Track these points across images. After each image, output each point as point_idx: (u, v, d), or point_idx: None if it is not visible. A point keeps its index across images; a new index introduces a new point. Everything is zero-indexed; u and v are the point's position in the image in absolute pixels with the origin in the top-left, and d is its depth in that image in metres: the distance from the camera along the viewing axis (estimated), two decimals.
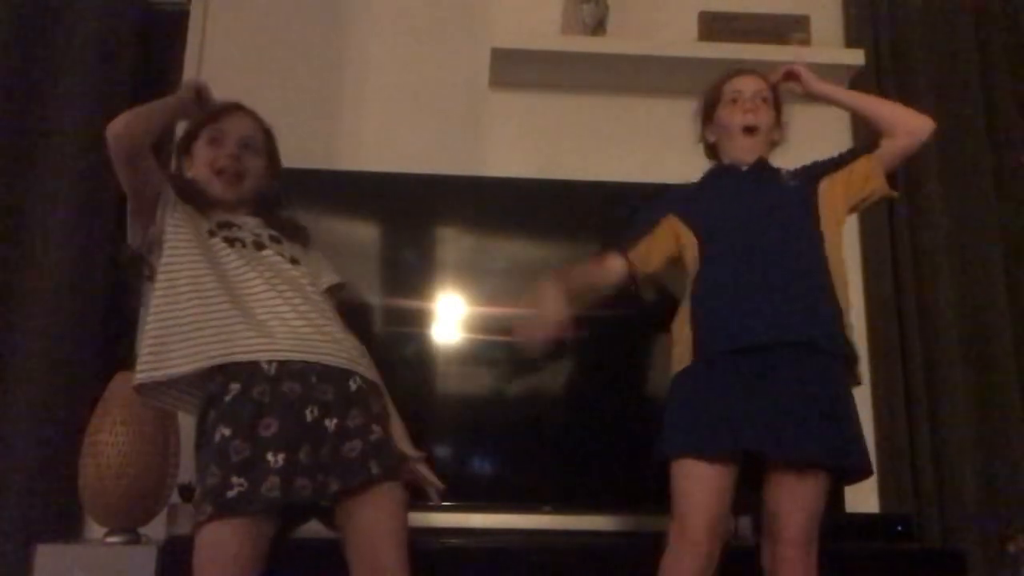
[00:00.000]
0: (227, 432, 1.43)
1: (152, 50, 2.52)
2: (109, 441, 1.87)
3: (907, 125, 1.75)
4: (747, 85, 1.80)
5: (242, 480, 1.40)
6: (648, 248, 1.78)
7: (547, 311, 1.64)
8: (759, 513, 1.61)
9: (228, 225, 1.64)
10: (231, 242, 1.61)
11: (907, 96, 2.53)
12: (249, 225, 1.67)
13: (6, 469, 2.08)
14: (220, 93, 2.45)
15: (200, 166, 1.68)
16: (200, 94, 1.73)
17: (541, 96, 2.50)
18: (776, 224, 1.68)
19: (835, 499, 2.22)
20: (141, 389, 1.53)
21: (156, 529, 1.96)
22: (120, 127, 1.54)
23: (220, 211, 1.67)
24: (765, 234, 1.66)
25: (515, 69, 2.42)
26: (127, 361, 2.35)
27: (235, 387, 1.47)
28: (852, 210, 1.82)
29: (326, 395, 1.49)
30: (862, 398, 2.37)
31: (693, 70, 2.45)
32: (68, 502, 2.03)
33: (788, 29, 2.47)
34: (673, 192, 1.84)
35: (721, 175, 1.81)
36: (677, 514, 1.53)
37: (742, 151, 1.78)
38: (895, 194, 1.84)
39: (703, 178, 1.84)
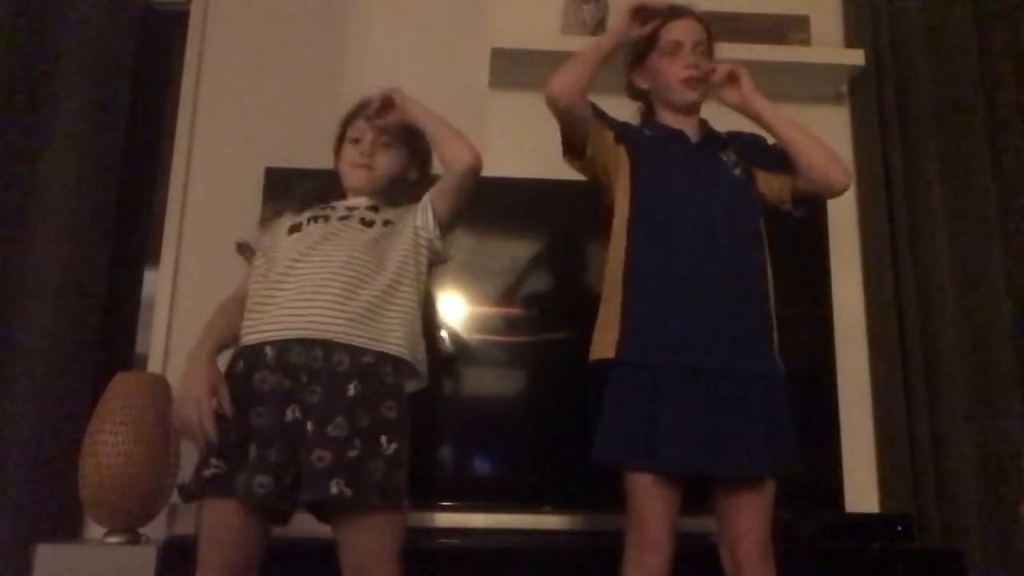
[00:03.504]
0: (223, 411, 1.46)
1: (152, 50, 2.53)
2: (109, 441, 1.87)
3: (827, 178, 1.64)
4: (686, 35, 1.69)
5: (220, 462, 1.41)
6: (599, 128, 1.70)
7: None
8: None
9: (326, 207, 1.68)
10: (316, 220, 1.64)
11: (907, 96, 2.54)
12: (350, 203, 1.70)
13: (6, 469, 2.08)
14: (220, 93, 2.49)
15: (343, 165, 1.75)
16: (639, 14, 1.66)
17: (541, 96, 2.49)
18: (726, 227, 1.62)
19: (835, 499, 2.23)
20: None
21: (156, 529, 1.97)
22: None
23: (351, 199, 1.73)
24: (715, 236, 1.60)
25: (515, 69, 2.41)
26: (127, 361, 2.37)
27: (240, 367, 1.50)
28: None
29: (313, 396, 1.45)
30: (862, 398, 2.39)
31: None
32: (68, 502, 2.03)
33: (788, 29, 2.47)
34: (622, 123, 1.74)
35: (669, 140, 1.70)
36: (635, 521, 1.53)
37: (682, 104, 1.71)
38: (797, 214, 1.75)
39: (651, 131, 1.72)
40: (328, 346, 1.48)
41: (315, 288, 1.53)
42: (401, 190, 1.74)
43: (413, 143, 1.76)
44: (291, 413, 1.44)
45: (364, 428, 1.44)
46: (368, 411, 1.46)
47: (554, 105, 1.64)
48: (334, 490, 1.38)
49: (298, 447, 1.42)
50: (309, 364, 1.47)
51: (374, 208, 1.68)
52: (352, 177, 1.72)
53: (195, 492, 1.44)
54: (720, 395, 1.52)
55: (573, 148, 1.73)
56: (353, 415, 1.44)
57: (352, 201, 1.71)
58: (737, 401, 1.53)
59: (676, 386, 1.52)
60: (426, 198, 1.70)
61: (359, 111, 1.76)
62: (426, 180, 1.76)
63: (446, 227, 1.70)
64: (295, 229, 1.64)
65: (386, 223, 1.65)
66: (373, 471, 1.42)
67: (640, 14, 1.68)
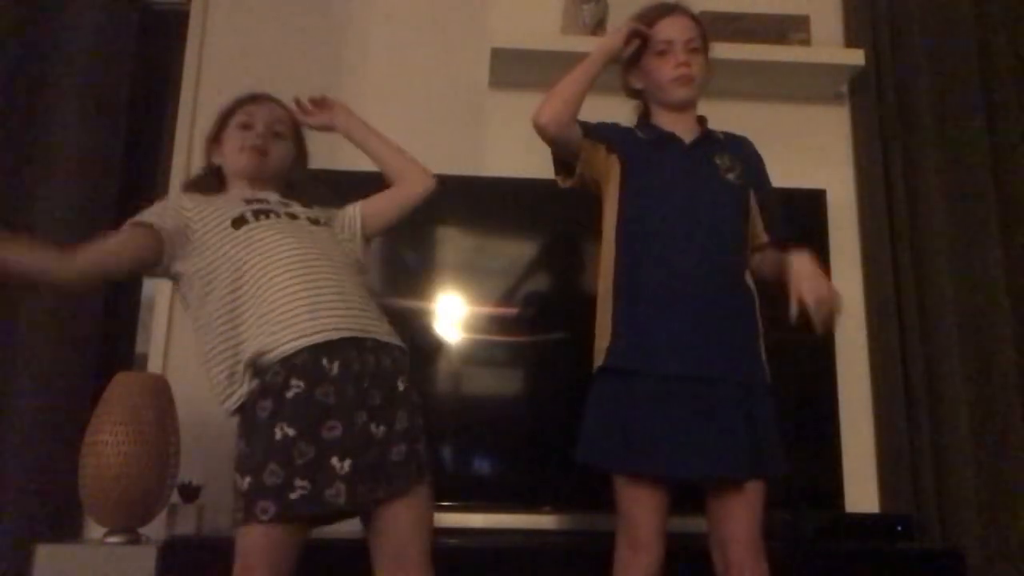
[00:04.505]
0: (291, 432, 1.39)
1: (152, 50, 2.53)
2: (109, 441, 1.87)
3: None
4: (677, 34, 1.67)
5: (305, 483, 1.37)
6: (591, 146, 1.68)
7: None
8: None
9: (254, 200, 1.61)
10: (266, 215, 1.57)
11: (907, 96, 2.54)
12: (274, 199, 1.65)
13: (6, 469, 2.09)
14: (220, 93, 2.47)
15: (228, 151, 1.68)
16: (634, 36, 1.68)
17: (541, 96, 2.49)
18: (715, 230, 1.61)
19: (835, 499, 2.23)
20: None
21: (156, 529, 1.96)
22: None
23: (243, 189, 1.66)
24: (703, 240, 1.60)
25: (515, 69, 2.42)
26: (127, 361, 2.37)
27: (297, 384, 1.43)
28: None
29: (374, 400, 1.48)
30: (862, 398, 2.39)
31: None
32: (68, 502, 2.03)
33: (788, 29, 2.47)
34: (614, 130, 1.73)
35: (661, 143, 1.68)
36: (624, 522, 1.54)
37: (674, 103, 1.69)
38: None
39: (644, 133, 1.71)
40: (375, 350, 1.51)
41: (337, 286, 1.52)
42: (287, 188, 1.70)
43: (299, 140, 1.76)
44: (360, 418, 1.45)
45: (412, 412, 1.53)
46: (408, 400, 1.54)
47: (543, 134, 1.64)
48: (415, 474, 1.48)
49: (367, 451, 1.44)
50: (367, 369, 1.49)
51: (303, 205, 1.66)
52: (240, 160, 1.65)
53: (283, 515, 1.37)
54: (702, 401, 1.52)
55: (564, 166, 1.73)
56: (406, 407, 1.52)
57: (267, 195, 1.64)
58: (719, 406, 1.52)
59: (659, 390, 1.52)
60: (355, 210, 1.71)
61: (246, 100, 1.71)
62: (306, 184, 1.74)
63: (368, 239, 1.73)
64: (240, 222, 1.55)
65: (325, 223, 1.66)
66: (423, 447, 1.53)
67: (635, 36, 1.69)
